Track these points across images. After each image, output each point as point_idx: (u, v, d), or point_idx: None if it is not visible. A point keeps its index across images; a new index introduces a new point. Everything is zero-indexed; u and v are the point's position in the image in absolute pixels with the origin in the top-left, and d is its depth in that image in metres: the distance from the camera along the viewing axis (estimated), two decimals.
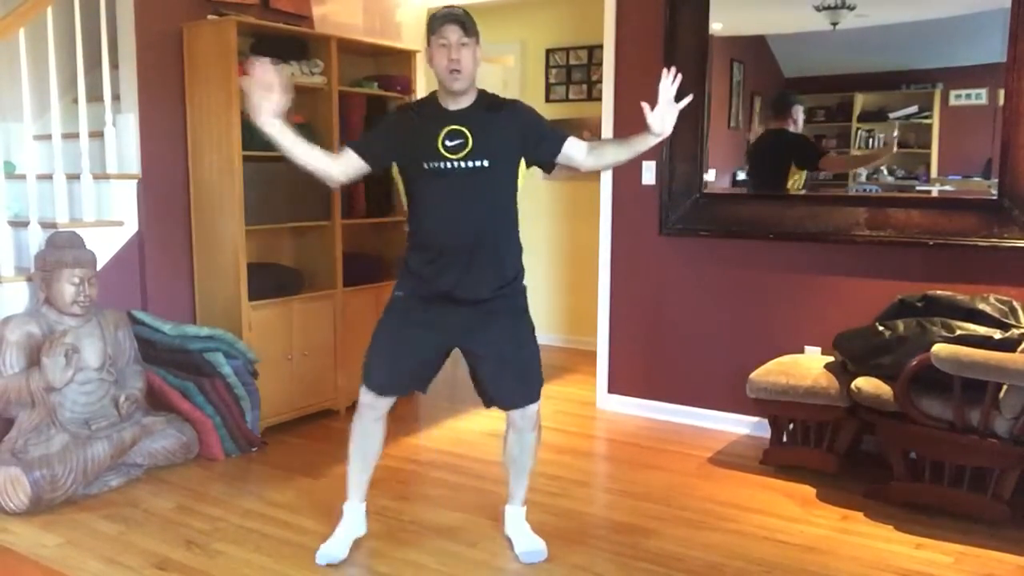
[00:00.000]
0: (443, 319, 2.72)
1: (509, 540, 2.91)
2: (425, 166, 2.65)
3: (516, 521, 2.93)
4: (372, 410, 2.81)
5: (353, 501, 2.91)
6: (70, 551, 2.85)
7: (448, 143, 2.64)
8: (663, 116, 2.68)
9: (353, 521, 2.90)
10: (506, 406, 2.82)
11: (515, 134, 2.73)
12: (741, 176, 4.25)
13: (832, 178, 4.07)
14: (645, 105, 2.68)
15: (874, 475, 3.41)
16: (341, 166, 2.70)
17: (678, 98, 2.69)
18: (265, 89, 2.48)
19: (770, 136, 4.17)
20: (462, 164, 2.64)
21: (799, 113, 4.07)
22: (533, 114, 2.81)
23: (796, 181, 4.13)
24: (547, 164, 2.83)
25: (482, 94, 2.76)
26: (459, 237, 2.67)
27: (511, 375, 2.79)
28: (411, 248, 2.77)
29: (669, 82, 2.66)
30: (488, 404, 2.90)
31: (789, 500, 3.29)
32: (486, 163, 2.66)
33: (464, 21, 2.65)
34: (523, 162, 2.78)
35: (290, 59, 4.18)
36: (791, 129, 4.11)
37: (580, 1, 5.72)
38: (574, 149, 2.78)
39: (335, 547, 2.82)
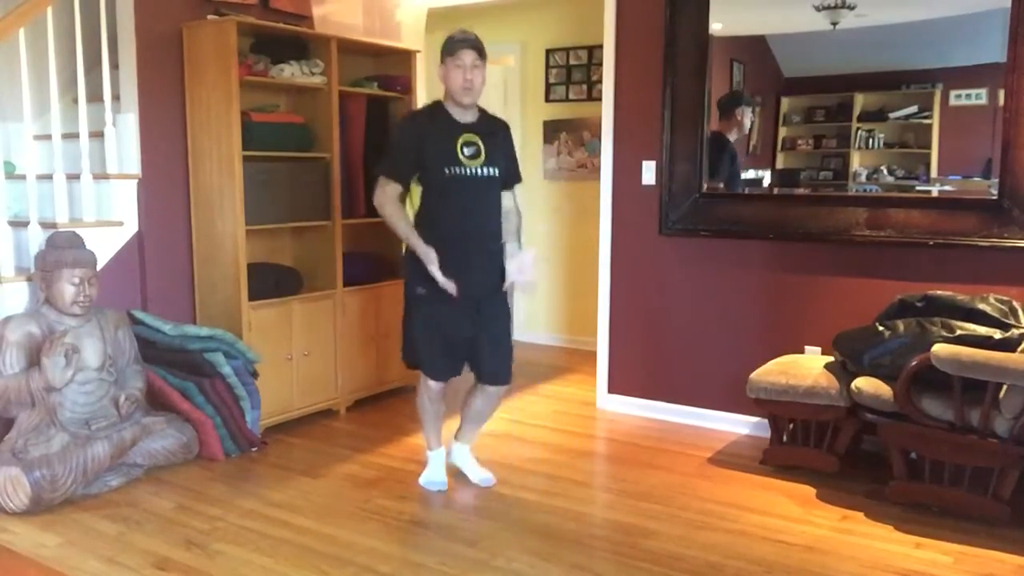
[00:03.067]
0: (463, 305, 3.15)
1: (459, 471, 3.49)
2: (446, 172, 3.09)
3: (468, 456, 3.51)
4: (436, 391, 3.31)
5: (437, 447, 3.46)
6: (70, 551, 2.85)
7: (465, 151, 3.11)
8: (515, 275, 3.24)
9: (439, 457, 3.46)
10: (495, 381, 3.32)
11: (505, 153, 3.27)
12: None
13: (832, 178, 4.07)
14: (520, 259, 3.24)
15: (874, 475, 3.41)
16: (401, 202, 3.22)
17: None
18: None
19: (713, 139, 4.14)
20: (479, 171, 3.12)
21: (746, 117, 4.05)
22: (512, 143, 3.37)
23: None
24: (505, 186, 3.31)
25: (482, 111, 3.26)
26: (474, 235, 3.15)
27: (503, 353, 3.30)
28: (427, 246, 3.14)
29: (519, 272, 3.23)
30: (478, 378, 3.36)
31: (789, 500, 3.30)
32: (495, 171, 3.17)
33: (479, 46, 3.13)
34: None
35: (290, 59, 4.18)
36: (732, 134, 4.10)
37: (580, 1, 5.72)
38: (512, 194, 3.35)
39: (435, 474, 3.42)
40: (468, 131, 3.14)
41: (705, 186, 4.10)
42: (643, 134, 4.24)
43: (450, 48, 3.12)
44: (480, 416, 3.46)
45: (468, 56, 3.10)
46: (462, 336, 3.22)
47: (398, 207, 3.19)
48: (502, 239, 3.27)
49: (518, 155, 3.42)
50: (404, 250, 3.27)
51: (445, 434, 3.50)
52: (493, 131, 3.23)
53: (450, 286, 3.08)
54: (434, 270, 3.07)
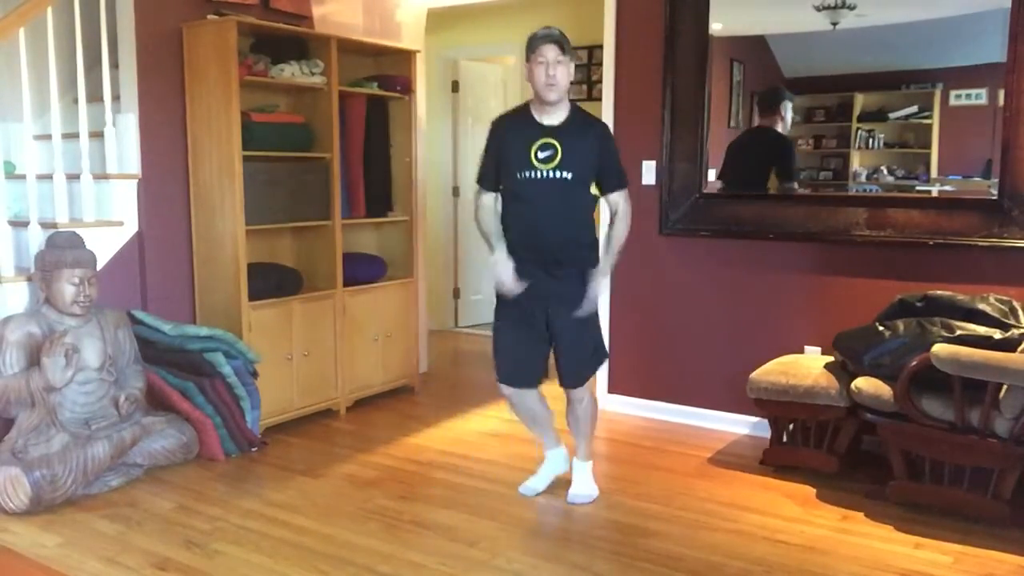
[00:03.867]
0: (537, 307, 3.12)
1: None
2: (518, 176, 3.05)
3: (577, 470, 3.38)
4: (510, 396, 3.29)
5: (547, 450, 3.43)
6: (70, 551, 2.85)
7: (540, 155, 3.03)
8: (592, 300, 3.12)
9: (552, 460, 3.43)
10: (565, 383, 3.24)
11: (596, 156, 3.09)
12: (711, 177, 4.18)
13: (832, 178, 4.07)
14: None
15: (874, 475, 3.41)
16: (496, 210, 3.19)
17: None
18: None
19: (754, 133, 4.14)
20: (550, 174, 3.02)
21: (788, 112, 4.04)
22: (613, 144, 3.19)
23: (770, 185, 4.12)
24: (603, 191, 3.18)
25: (574, 110, 3.12)
26: (543, 240, 3.06)
27: (576, 357, 3.21)
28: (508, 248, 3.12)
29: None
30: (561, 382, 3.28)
31: (789, 500, 3.29)
32: (569, 175, 3.03)
33: (561, 41, 3.03)
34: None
35: (290, 59, 4.18)
36: (778, 128, 4.09)
37: (580, 1, 5.72)
38: (616, 199, 3.17)
39: (537, 482, 3.38)
40: (548, 134, 3.03)
41: (705, 186, 4.11)
42: (643, 134, 4.24)
43: (532, 45, 3.05)
44: (575, 425, 3.33)
45: (551, 51, 3.00)
46: (533, 341, 3.16)
47: (489, 218, 3.15)
48: (579, 245, 3.13)
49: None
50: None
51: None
52: (580, 132, 3.06)
53: (514, 288, 3.03)
54: (499, 271, 3.03)
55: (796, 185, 4.12)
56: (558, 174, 3.02)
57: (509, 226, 3.13)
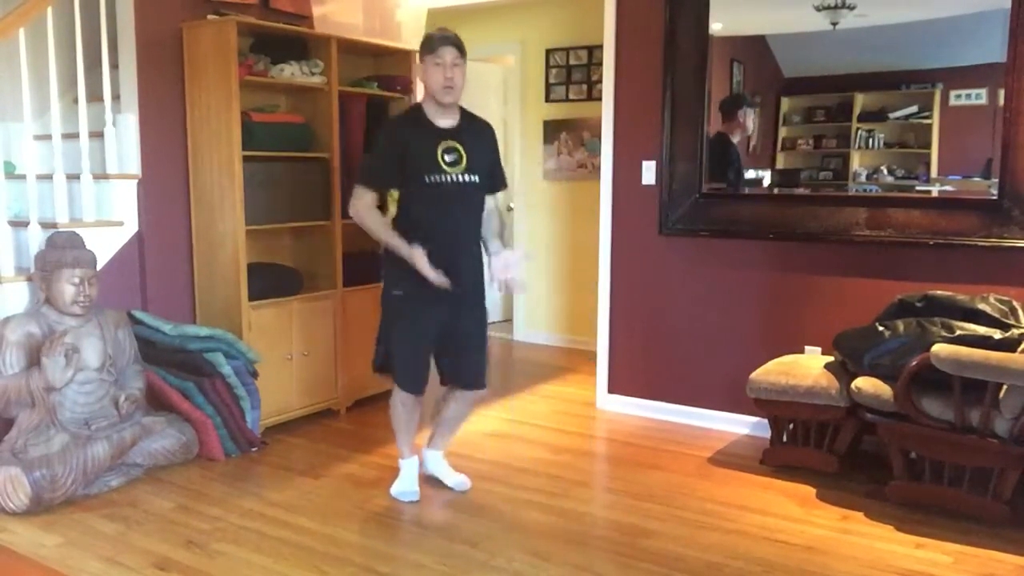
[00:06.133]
0: (438, 309, 3.11)
1: (435, 479, 3.43)
2: (427, 179, 3.03)
3: (442, 462, 3.46)
4: (412, 400, 3.28)
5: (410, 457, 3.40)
6: (70, 551, 2.85)
7: (447, 158, 3.04)
8: (500, 272, 3.14)
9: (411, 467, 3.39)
10: (473, 386, 3.28)
11: (490, 156, 3.22)
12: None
13: (832, 178, 4.07)
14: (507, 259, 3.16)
15: (874, 475, 3.41)
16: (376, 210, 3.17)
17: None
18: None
19: (716, 140, 4.14)
20: (459, 178, 3.06)
21: (749, 118, 4.05)
22: (496, 145, 3.29)
23: None
24: (490, 191, 3.26)
25: (463, 112, 3.17)
26: (451, 241, 3.08)
27: (482, 359, 3.27)
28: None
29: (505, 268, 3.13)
30: (445, 382, 3.34)
31: (789, 500, 3.30)
32: (476, 178, 3.11)
33: (459, 44, 3.03)
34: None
35: (290, 59, 4.18)
36: (735, 135, 4.10)
37: (580, 1, 5.72)
38: (496, 198, 3.30)
39: (415, 485, 3.34)
40: (449, 137, 3.07)
41: (705, 186, 4.10)
42: (643, 134, 4.24)
43: (430, 46, 3.03)
44: (455, 422, 3.43)
45: (449, 54, 3.00)
46: (429, 345, 3.18)
47: (378, 214, 3.14)
48: (479, 245, 3.22)
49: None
50: (383, 255, 3.22)
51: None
52: (476, 134, 3.16)
53: (442, 280, 2.97)
54: (423, 266, 2.95)
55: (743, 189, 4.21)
56: (466, 177, 3.07)
57: (413, 228, 3.05)
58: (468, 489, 3.37)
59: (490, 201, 3.26)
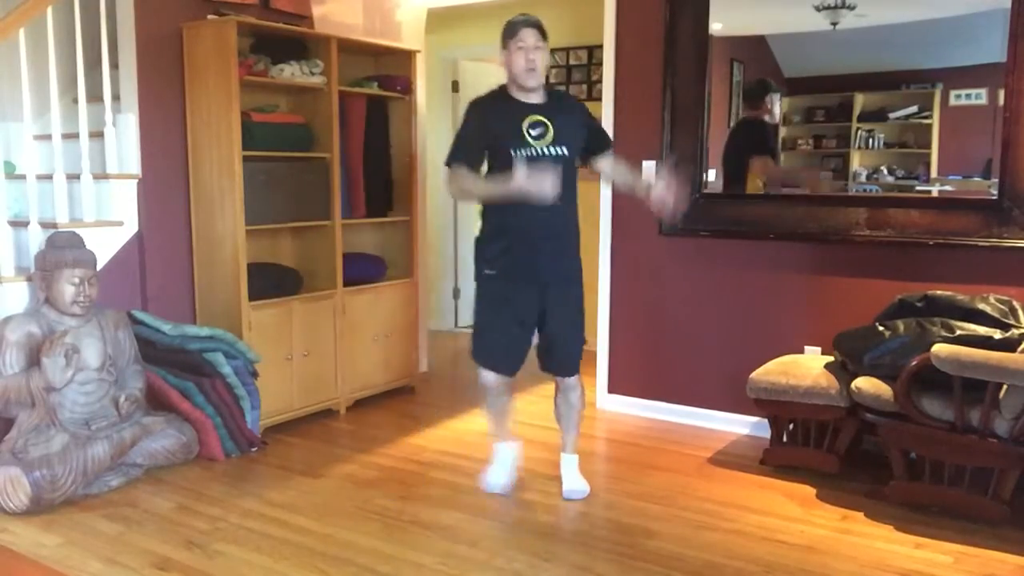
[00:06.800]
0: (528, 289, 3.10)
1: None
2: (512, 153, 2.99)
3: (567, 465, 3.39)
4: (494, 385, 3.26)
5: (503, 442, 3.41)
6: (70, 551, 2.85)
7: (532, 132, 3.02)
8: (663, 200, 3.09)
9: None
10: (561, 371, 3.25)
11: (582, 127, 3.18)
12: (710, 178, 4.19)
13: (832, 178, 4.07)
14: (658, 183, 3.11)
15: (874, 475, 3.41)
16: None
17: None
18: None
19: (744, 125, 4.15)
20: (546, 150, 3.03)
21: (775, 104, 4.06)
22: (588, 111, 3.30)
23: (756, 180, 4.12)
24: (599, 152, 3.28)
25: (551, 92, 3.17)
26: (542, 217, 3.00)
27: (572, 343, 3.22)
28: (493, 230, 3.12)
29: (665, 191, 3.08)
30: (545, 368, 3.28)
31: (789, 500, 3.30)
32: (565, 150, 3.07)
33: (540, 27, 3.03)
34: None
35: (290, 59, 4.18)
36: (766, 119, 4.10)
37: (580, 1, 5.72)
38: (605, 159, 3.31)
39: (506, 476, 3.35)
40: (535, 112, 3.04)
41: (705, 186, 4.11)
42: (643, 134, 4.24)
43: (511, 31, 3.03)
44: (565, 418, 3.35)
45: (531, 36, 3.00)
46: (521, 326, 3.13)
47: (474, 175, 3.07)
48: (574, 222, 3.18)
49: None
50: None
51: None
52: (562, 109, 3.13)
53: (553, 187, 2.84)
54: (521, 175, 2.83)
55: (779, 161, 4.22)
56: (555, 150, 3.04)
57: (500, 208, 3.04)
58: (577, 498, 3.28)
59: (606, 161, 3.27)
